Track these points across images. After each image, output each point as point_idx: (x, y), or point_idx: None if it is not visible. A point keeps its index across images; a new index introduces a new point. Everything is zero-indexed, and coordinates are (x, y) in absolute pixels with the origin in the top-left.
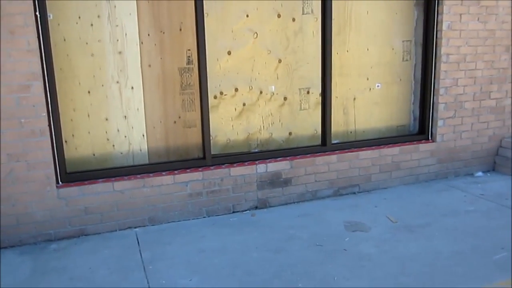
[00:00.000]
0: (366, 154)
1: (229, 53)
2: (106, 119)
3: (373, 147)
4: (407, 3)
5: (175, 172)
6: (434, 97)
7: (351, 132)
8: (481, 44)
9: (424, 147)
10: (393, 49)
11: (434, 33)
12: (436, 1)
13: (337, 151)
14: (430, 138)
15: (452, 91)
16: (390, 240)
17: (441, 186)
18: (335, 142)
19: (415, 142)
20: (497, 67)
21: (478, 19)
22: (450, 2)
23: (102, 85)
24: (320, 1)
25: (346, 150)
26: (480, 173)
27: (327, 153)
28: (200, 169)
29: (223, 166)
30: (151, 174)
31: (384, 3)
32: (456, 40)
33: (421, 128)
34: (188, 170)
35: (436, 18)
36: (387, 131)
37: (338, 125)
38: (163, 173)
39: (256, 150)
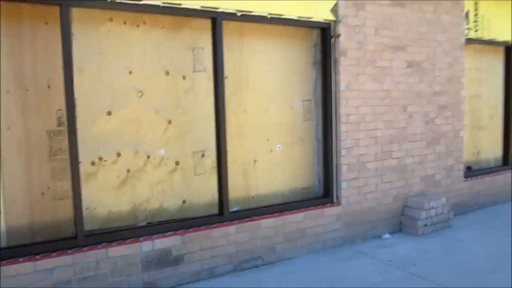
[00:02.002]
0: (269, 222)
1: (109, 113)
2: None
3: (276, 214)
4: (305, 63)
5: (37, 257)
6: (337, 158)
7: (252, 197)
8: (379, 104)
9: (329, 211)
10: (293, 109)
11: (332, 93)
12: (334, 62)
13: (235, 221)
14: (335, 201)
15: (354, 151)
16: None
17: (349, 252)
18: (235, 210)
19: (320, 206)
20: (396, 127)
21: (374, 79)
22: (347, 62)
23: None
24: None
25: (246, 219)
26: (387, 235)
27: (224, 223)
28: (69, 251)
29: (100, 246)
30: (4, 262)
31: (282, 62)
32: (354, 100)
33: (326, 190)
34: (54, 254)
35: (334, 78)
36: (291, 194)
37: (238, 190)
38: (21, 259)
39: (143, 224)
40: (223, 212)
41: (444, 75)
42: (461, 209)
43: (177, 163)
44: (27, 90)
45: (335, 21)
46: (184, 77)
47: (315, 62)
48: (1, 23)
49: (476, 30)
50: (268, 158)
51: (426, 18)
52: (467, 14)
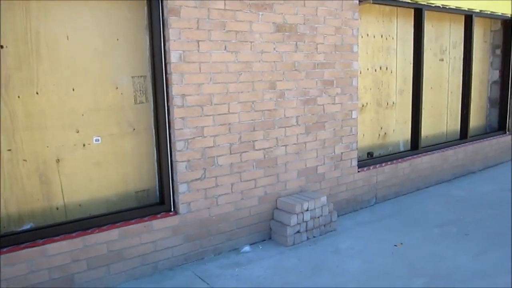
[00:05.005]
0: (61, 247)
1: None
2: None
3: (76, 234)
4: (134, 25)
5: None
6: (172, 154)
7: (57, 209)
8: (234, 81)
9: (160, 223)
10: (117, 88)
11: (163, 67)
12: (161, 24)
13: (4, 249)
14: (172, 210)
15: (197, 143)
16: None
17: (186, 276)
18: (26, 228)
19: (146, 218)
20: (260, 109)
21: (225, 47)
22: (181, 24)
23: None
24: None
25: (26, 245)
26: (247, 248)
27: None
28: None
29: None
30: None
31: (97, 24)
32: (194, 75)
33: (161, 196)
34: None
35: (163, 46)
36: (121, 200)
37: (33, 201)
38: None
39: None
40: None
41: (330, 42)
42: (354, 205)
43: None
44: None
45: None
46: None
47: (148, 26)
48: None
49: None
50: (81, 155)
51: None
52: None
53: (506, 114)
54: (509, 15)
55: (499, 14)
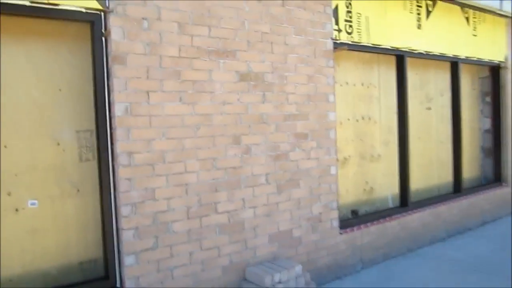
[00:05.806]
0: None
1: None
2: None
3: None
4: (78, 72)
5: None
6: (117, 220)
7: None
8: (191, 135)
9: None
10: (59, 144)
11: (107, 121)
12: (105, 72)
13: None
14: (118, 286)
15: (147, 208)
16: None
17: None
18: None
19: None
20: (223, 167)
21: (180, 99)
22: (127, 73)
23: None
24: None
25: None
26: None
27: None
28: None
29: None
30: None
31: (35, 70)
32: (144, 130)
33: (106, 269)
34: None
35: (107, 98)
36: (61, 273)
37: None
38: None
39: None
40: None
41: (302, 92)
42: (337, 271)
43: None
44: None
45: (104, 11)
46: None
47: (92, 74)
48: None
49: (350, 32)
50: (12, 222)
51: (270, 13)
52: (336, 11)
53: (500, 164)
54: (497, 62)
55: (487, 60)
